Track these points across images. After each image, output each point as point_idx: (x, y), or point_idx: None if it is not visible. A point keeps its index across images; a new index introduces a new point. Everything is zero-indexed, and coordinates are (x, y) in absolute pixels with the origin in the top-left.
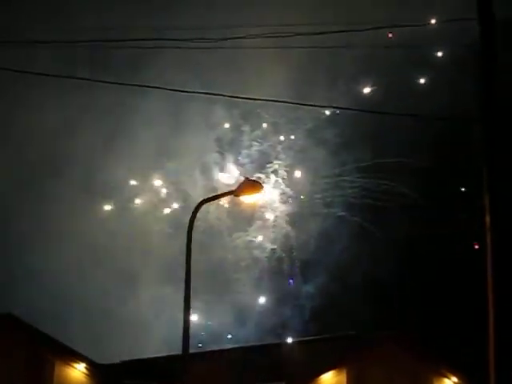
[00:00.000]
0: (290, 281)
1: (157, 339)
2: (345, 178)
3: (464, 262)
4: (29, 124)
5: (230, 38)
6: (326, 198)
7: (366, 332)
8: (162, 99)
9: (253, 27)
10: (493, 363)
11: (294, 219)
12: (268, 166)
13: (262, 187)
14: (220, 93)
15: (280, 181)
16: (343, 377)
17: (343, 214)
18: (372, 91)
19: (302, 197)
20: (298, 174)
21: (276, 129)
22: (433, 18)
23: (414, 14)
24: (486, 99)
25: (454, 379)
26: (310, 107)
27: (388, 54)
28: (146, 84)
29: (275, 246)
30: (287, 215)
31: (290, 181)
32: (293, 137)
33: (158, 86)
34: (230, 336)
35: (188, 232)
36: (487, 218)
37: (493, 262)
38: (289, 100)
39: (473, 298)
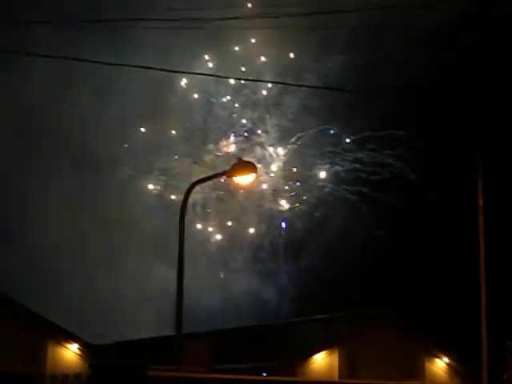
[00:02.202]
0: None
1: (150, 316)
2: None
3: (456, 237)
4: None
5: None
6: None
7: (357, 312)
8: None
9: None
10: (485, 344)
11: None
12: (254, 137)
13: (256, 168)
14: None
15: (267, 154)
16: (335, 357)
17: (334, 187)
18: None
19: (294, 169)
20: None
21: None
22: None
23: None
24: (480, 85)
25: (446, 359)
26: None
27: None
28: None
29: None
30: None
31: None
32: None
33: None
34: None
35: (181, 212)
36: (480, 201)
37: (485, 243)
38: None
39: (465, 278)
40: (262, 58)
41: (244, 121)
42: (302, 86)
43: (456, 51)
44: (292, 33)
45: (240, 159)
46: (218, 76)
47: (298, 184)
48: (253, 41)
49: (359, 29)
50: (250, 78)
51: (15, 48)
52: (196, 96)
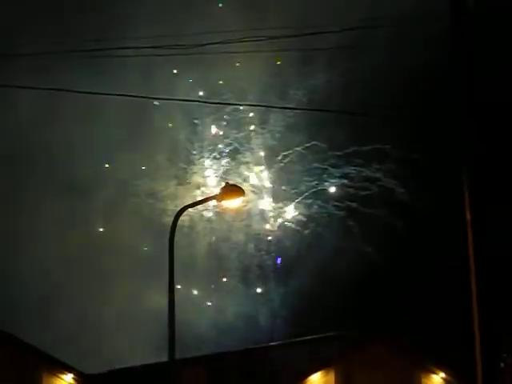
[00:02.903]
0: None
1: (144, 342)
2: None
3: (449, 254)
4: None
5: (206, 44)
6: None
7: (351, 331)
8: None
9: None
10: (479, 357)
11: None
12: (239, 156)
13: (243, 192)
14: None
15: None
16: (331, 377)
17: (322, 203)
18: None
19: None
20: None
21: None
22: None
23: None
24: (466, 93)
25: (442, 375)
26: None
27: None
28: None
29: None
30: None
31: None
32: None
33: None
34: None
35: (170, 238)
36: (468, 215)
37: (475, 259)
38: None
39: (458, 292)
40: (245, 77)
41: (229, 140)
42: (286, 108)
43: (442, 62)
44: (275, 54)
45: (227, 183)
46: (204, 102)
47: (286, 202)
48: (237, 64)
49: (343, 48)
50: (234, 103)
51: None
52: (179, 117)
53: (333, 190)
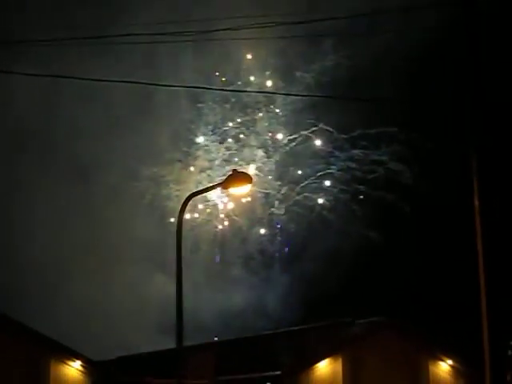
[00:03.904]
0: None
1: (150, 328)
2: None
3: (457, 239)
4: None
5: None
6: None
7: (359, 318)
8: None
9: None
10: (487, 345)
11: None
12: (245, 140)
13: (251, 179)
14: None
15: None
16: (339, 364)
17: (328, 187)
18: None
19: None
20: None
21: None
22: None
23: None
24: (473, 85)
25: (450, 362)
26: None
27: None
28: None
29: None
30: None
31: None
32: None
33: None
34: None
35: (178, 225)
36: (476, 202)
37: (483, 246)
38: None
39: (466, 279)
40: (250, 57)
41: (233, 123)
42: (290, 94)
43: (450, 47)
44: (282, 40)
45: (235, 170)
46: (207, 88)
47: (292, 185)
48: (243, 51)
49: (349, 35)
50: (237, 90)
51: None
52: (183, 100)
53: (339, 173)
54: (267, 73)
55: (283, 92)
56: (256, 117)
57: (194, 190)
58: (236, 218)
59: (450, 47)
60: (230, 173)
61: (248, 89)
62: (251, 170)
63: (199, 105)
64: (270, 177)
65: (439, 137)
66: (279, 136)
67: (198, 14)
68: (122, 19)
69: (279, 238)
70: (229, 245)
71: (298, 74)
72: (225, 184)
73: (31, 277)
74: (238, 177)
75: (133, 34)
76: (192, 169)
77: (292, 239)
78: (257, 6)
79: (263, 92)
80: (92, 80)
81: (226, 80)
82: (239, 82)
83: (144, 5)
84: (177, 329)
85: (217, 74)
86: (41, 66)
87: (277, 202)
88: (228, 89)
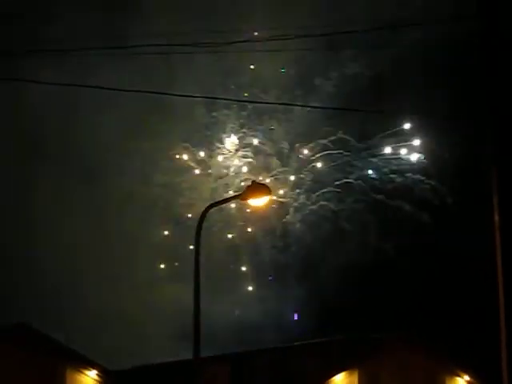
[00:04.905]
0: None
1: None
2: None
3: (474, 255)
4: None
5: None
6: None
7: (376, 333)
8: None
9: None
10: (505, 362)
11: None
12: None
13: (270, 191)
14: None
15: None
16: (355, 378)
17: (345, 197)
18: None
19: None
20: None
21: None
22: None
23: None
24: (492, 97)
25: (467, 377)
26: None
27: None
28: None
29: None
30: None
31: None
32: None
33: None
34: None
35: (196, 235)
36: (496, 218)
37: (502, 262)
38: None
39: (483, 294)
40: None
41: (249, 131)
42: (305, 106)
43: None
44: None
45: (254, 182)
46: (224, 99)
47: (309, 194)
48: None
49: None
50: (254, 101)
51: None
52: (199, 107)
53: (358, 182)
54: (283, 82)
55: (299, 103)
56: (273, 125)
57: (212, 202)
58: (250, 228)
59: (471, 59)
60: (248, 183)
61: (264, 98)
62: (266, 178)
63: (214, 113)
64: (285, 185)
65: (458, 148)
66: (296, 144)
67: (219, 25)
68: (143, 27)
69: (293, 249)
70: (242, 255)
71: (316, 82)
72: (243, 195)
73: (45, 285)
74: (256, 188)
75: (158, 44)
76: (207, 176)
77: (307, 247)
78: (275, 17)
79: (278, 103)
80: (107, 89)
81: (242, 89)
82: (256, 90)
83: (161, 13)
84: (194, 339)
85: (232, 86)
86: (59, 72)
87: (291, 210)
88: (244, 100)
